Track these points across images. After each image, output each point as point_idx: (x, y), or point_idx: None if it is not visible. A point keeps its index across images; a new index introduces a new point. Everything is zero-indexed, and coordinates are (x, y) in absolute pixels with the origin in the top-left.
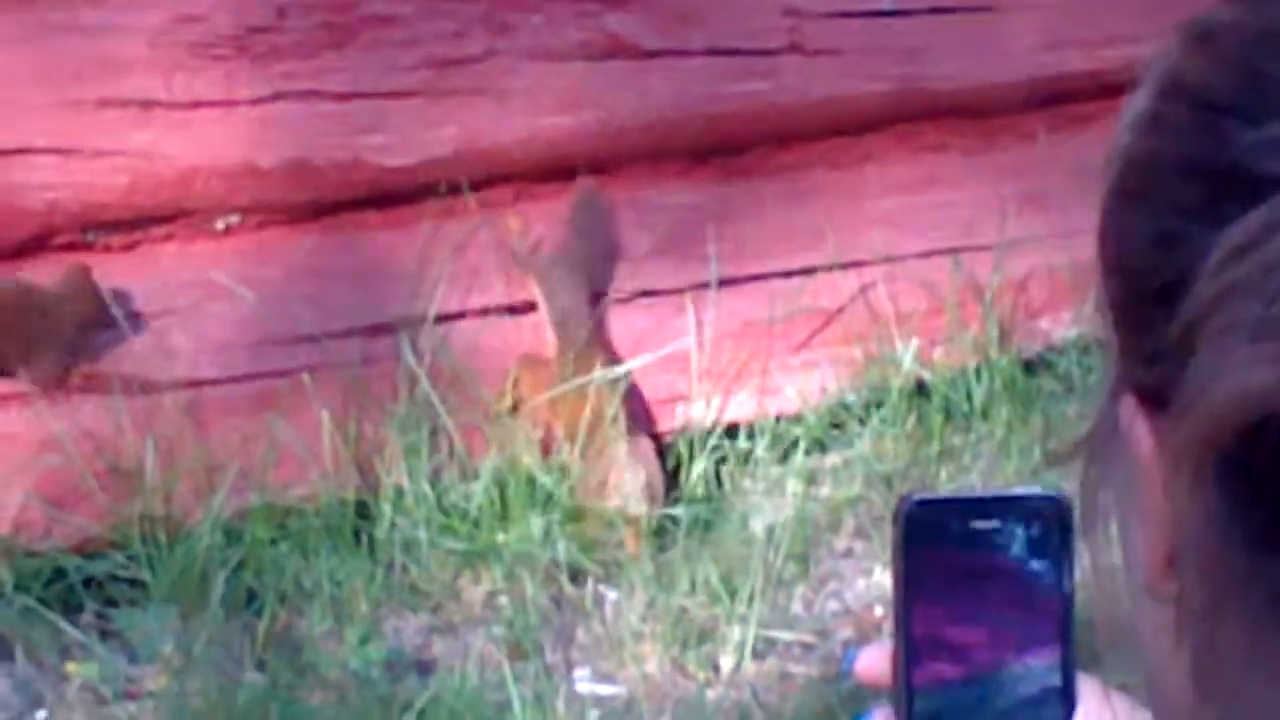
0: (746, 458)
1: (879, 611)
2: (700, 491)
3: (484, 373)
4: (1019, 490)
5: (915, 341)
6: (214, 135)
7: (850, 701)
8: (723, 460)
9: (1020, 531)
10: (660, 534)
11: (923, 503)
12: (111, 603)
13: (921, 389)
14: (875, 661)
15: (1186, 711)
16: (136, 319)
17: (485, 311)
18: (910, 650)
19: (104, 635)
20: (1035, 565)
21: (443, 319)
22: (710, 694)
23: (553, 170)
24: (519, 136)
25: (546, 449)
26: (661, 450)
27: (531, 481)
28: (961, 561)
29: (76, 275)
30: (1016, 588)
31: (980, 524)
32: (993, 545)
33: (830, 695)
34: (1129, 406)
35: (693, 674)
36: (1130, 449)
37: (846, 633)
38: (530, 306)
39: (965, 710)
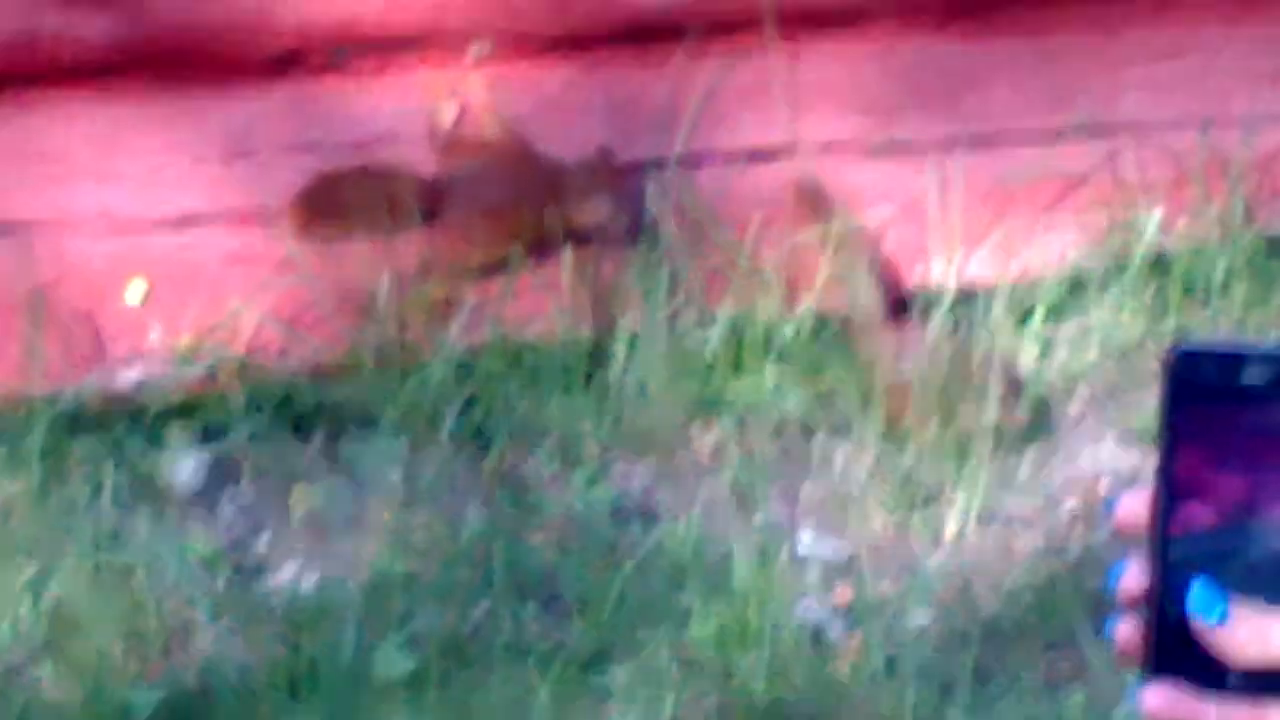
0: (981, 321)
1: (1105, 482)
2: (935, 351)
3: (727, 219)
4: None
5: (1159, 212)
6: None
7: (1075, 571)
8: (959, 321)
9: None
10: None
11: (1192, 352)
12: (340, 430)
13: (1161, 261)
14: (1134, 507)
15: None
16: (380, 143)
17: (732, 157)
18: (1169, 497)
19: (331, 463)
20: None
21: (688, 162)
22: (932, 561)
23: (805, 17)
24: None
25: (787, 299)
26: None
27: (768, 331)
28: (1226, 412)
29: None
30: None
31: (1248, 376)
32: (1259, 398)
33: (1054, 566)
34: None
35: (916, 536)
36: None
37: (1072, 503)
38: (776, 153)
39: (1219, 559)
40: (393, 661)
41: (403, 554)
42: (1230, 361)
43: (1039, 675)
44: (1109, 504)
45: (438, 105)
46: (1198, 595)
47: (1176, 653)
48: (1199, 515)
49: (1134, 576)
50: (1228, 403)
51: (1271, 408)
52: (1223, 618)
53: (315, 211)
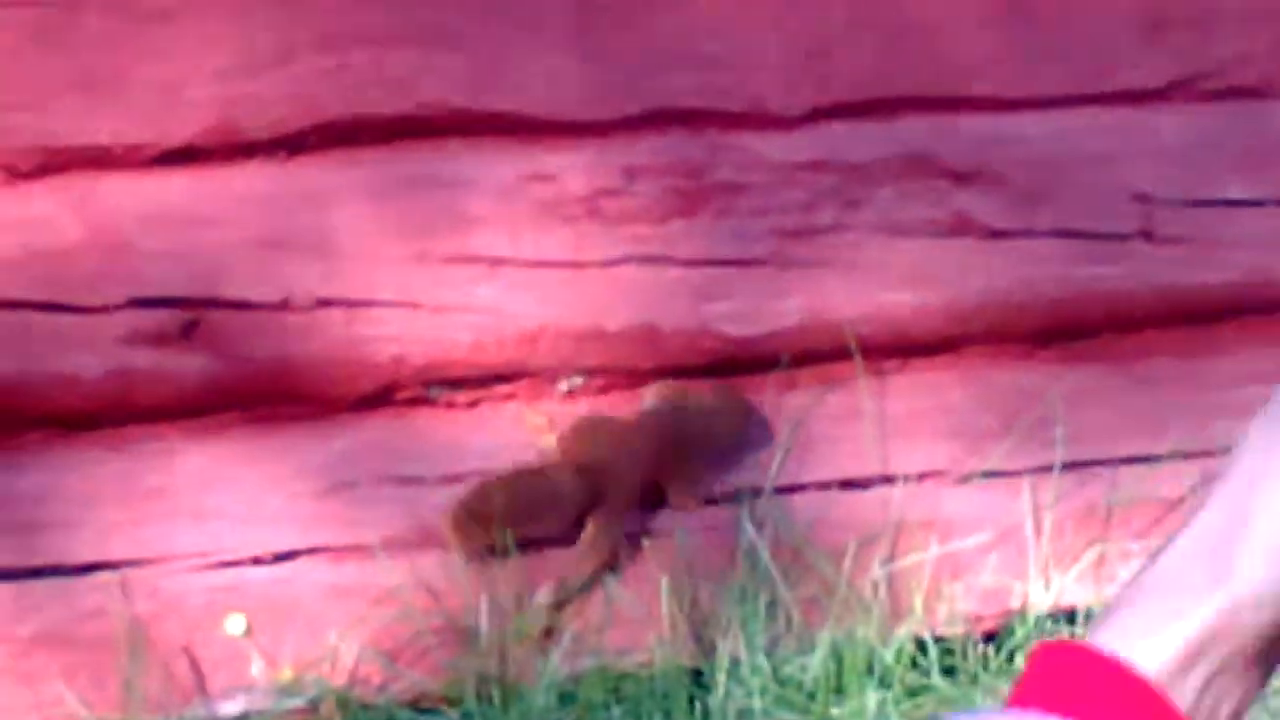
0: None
1: None
2: None
3: (822, 545)
4: None
5: None
6: (561, 295)
7: None
8: None
9: None
10: None
11: None
12: None
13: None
14: None
15: None
16: (476, 475)
17: (825, 485)
18: None
19: None
20: None
21: (782, 490)
22: None
23: (895, 347)
24: (864, 311)
25: (887, 623)
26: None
27: (869, 655)
28: None
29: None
30: None
31: None
32: None
33: None
34: None
35: None
36: None
37: None
38: (871, 481)
39: None
40: None
41: None
42: None
43: None
44: None
45: (539, 437)
46: None
47: None
48: None
49: None
50: None
51: None
52: None
53: (473, 516)
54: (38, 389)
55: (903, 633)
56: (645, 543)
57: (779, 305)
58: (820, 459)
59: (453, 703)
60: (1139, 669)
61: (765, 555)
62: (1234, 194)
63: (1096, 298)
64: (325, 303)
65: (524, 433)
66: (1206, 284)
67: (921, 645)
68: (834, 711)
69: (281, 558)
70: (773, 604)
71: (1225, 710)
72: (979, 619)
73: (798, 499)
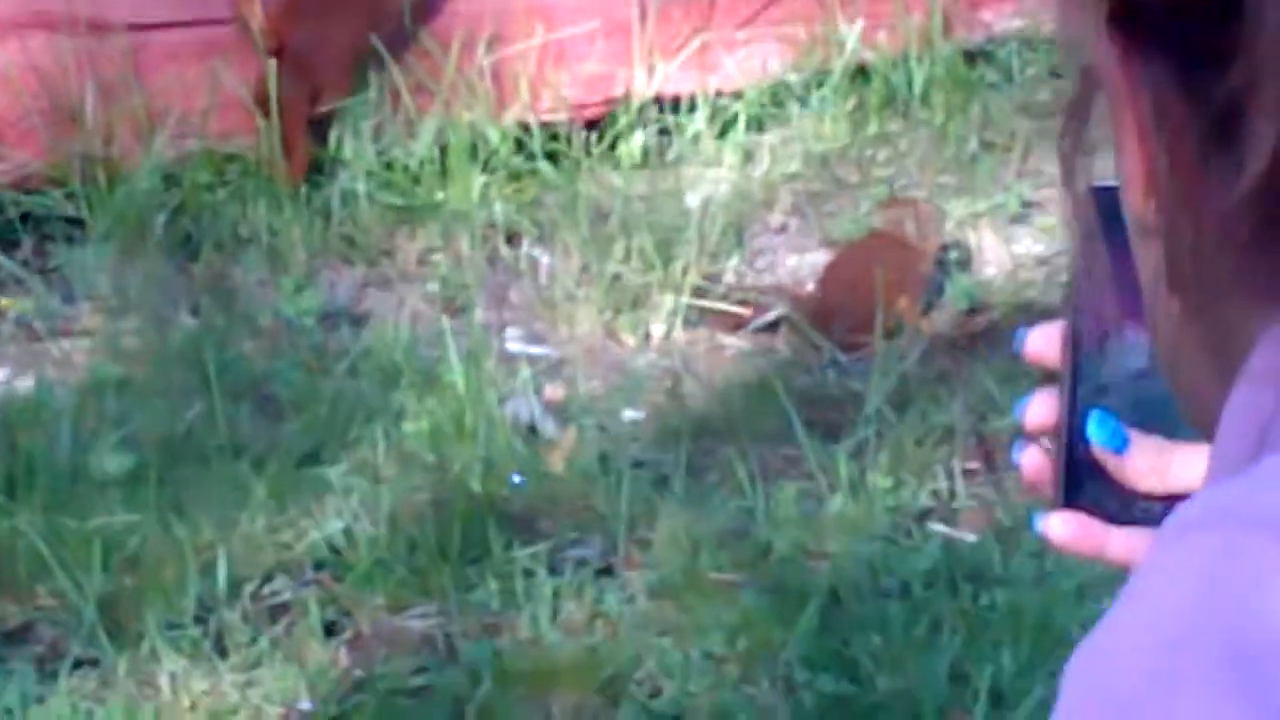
0: (684, 131)
1: (810, 288)
2: (638, 162)
3: (431, 31)
4: None
5: (860, 23)
6: None
7: (782, 371)
8: (661, 133)
9: None
10: (597, 202)
11: (1108, 188)
12: (48, 240)
13: (862, 73)
14: (1044, 343)
15: (1174, 342)
16: None
17: None
18: (1078, 331)
19: (40, 272)
20: None
21: None
22: (641, 359)
23: None
24: None
25: (494, 109)
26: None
27: (475, 141)
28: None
29: None
30: None
31: None
32: None
33: (760, 367)
34: (1104, 40)
35: (624, 339)
36: (1107, 82)
37: (779, 309)
38: None
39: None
40: (110, 460)
41: (114, 358)
42: None
43: (751, 469)
44: (1019, 336)
45: None
46: (1097, 426)
47: (1083, 485)
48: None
49: (1041, 407)
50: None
51: None
52: (1123, 447)
53: None
54: None
55: (508, 119)
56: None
57: None
58: None
59: (57, 183)
60: None
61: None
62: None
63: None
64: None
65: None
66: None
67: (526, 130)
68: (438, 195)
69: None
70: (381, 88)
71: None
72: (582, 106)
73: None
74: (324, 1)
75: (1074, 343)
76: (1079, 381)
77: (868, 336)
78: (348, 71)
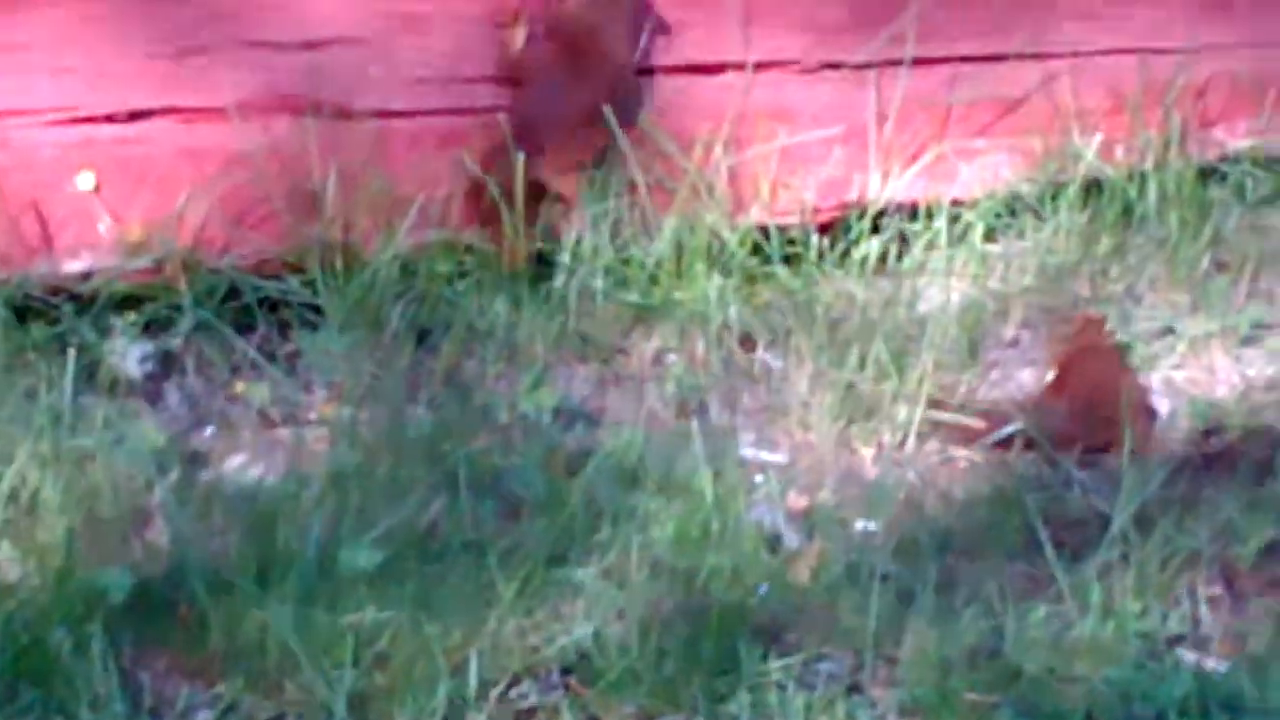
0: (918, 239)
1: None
2: (872, 268)
3: (669, 131)
4: None
5: (1098, 136)
6: None
7: (1020, 487)
8: (896, 239)
9: None
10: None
11: None
12: (286, 326)
13: (1097, 188)
14: None
15: None
16: (334, 44)
17: (674, 70)
18: None
19: (275, 358)
20: None
21: (640, 72)
22: (875, 469)
23: None
24: None
25: (732, 211)
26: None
27: (712, 241)
28: None
29: None
30: None
31: None
32: None
33: (997, 480)
34: None
35: (857, 448)
36: None
37: (1015, 423)
38: (720, 68)
39: None
40: (360, 555)
41: (353, 448)
42: None
43: (999, 587)
44: None
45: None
46: None
47: None
48: None
49: None
50: None
51: None
52: None
53: None
54: None
55: (746, 221)
56: (500, 117)
57: None
58: (669, 43)
59: (295, 269)
60: None
61: (616, 135)
62: None
63: None
64: None
65: (382, 2)
66: None
67: (765, 233)
68: (676, 295)
69: (135, 116)
70: (619, 188)
71: None
72: (818, 210)
73: (655, 80)
74: (564, 71)
75: None
76: None
77: (1103, 454)
78: (582, 154)
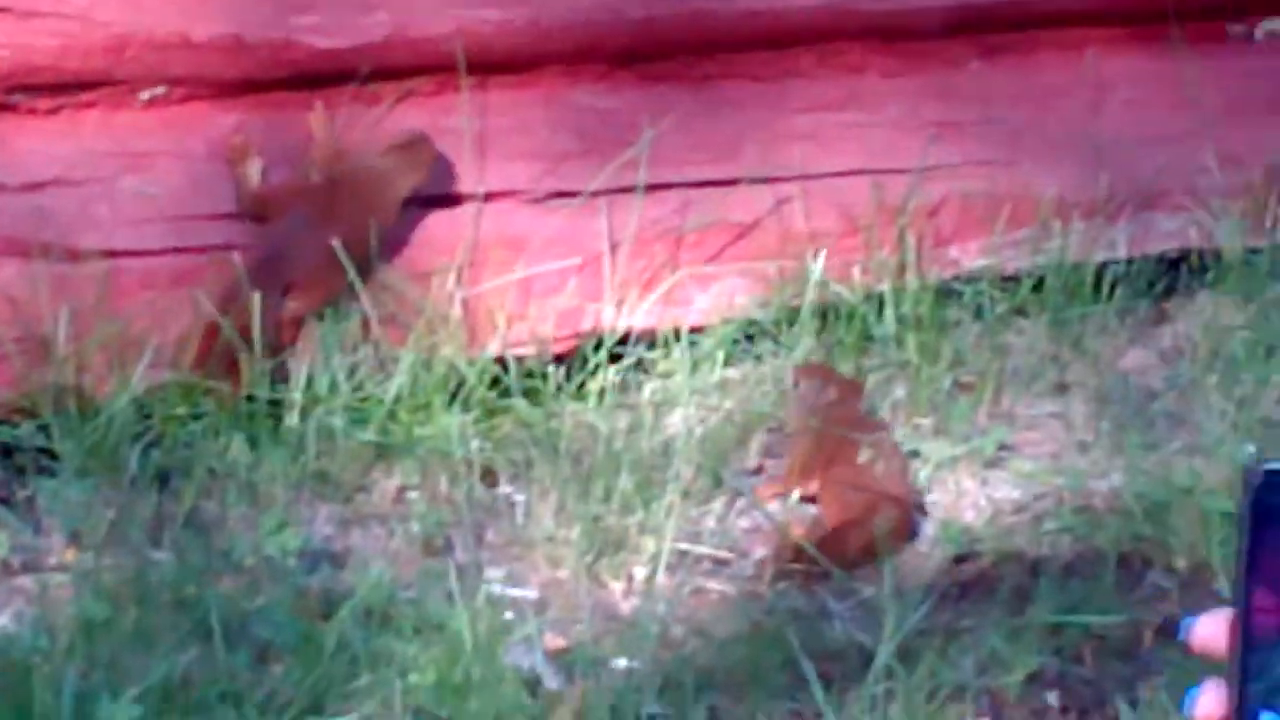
0: (655, 367)
1: (794, 531)
2: (607, 398)
3: (409, 263)
4: None
5: (824, 260)
6: (148, 4)
7: (775, 619)
8: (631, 368)
9: None
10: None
11: (1275, 471)
12: (20, 472)
13: (835, 310)
14: (1212, 632)
15: None
16: (57, 185)
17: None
18: (1248, 625)
19: (12, 505)
20: None
21: None
22: (625, 605)
23: (478, 64)
24: (449, 27)
25: (469, 344)
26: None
27: (449, 376)
28: None
29: None
30: None
31: None
32: None
33: (751, 613)
34: None
35: (607, 581)
36: None
37: (760, 551)
38: (450, 200)
39: None
40: (118, 712)
41: (96, 596)
42: None
43: None
44: (1185, 624)
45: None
46: None
47: None
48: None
49: (1211, 701)
50: None
51: None
52: None
53: None
54: None
55: (483, 354)
56: (235, 256)
57: (365, 19)
58: None
59: (29, 414)
60: None
61: (348, 271)
62: None
63: (679, 19)
64: None
65: (107, 142)
66: (788, 8)
67: (503, 365)
68: (416, 431)
69: None
70: (354, 324)
71: None
72: (555, 341)
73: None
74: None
75: (1244, 637)
76: (1248, 679)
77: (857, 582)
78: (321, 290)
